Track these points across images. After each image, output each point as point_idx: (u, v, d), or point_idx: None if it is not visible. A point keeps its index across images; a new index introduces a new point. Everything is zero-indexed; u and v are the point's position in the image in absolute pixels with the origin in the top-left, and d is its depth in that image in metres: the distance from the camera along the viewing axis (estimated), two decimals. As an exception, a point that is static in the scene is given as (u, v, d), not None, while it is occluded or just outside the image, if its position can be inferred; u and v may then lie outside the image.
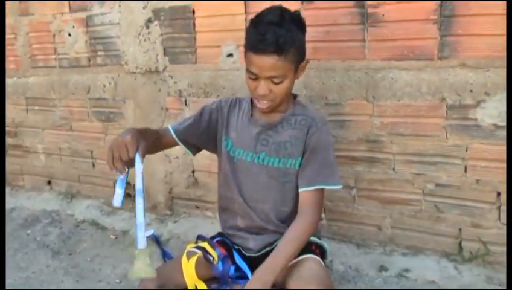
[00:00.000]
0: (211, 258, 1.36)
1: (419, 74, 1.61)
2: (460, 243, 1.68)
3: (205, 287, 1.36)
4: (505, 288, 1.50)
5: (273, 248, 1.27)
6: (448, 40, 1.55)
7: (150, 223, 2.25)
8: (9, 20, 2.61)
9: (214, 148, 1.47)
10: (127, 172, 1.18)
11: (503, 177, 1.55)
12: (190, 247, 1.44)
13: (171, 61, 2.12)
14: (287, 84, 1.28)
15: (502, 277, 1.57)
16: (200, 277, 1.36)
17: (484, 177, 1.59)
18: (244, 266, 1.35)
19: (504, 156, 1.51)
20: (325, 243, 1.45)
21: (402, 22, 1.60)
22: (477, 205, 1.62)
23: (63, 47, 2.46)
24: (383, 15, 1.62)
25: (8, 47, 2.66)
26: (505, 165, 1.52)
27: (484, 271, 1.61)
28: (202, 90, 2.05)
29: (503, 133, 1.52)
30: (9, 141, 2.85)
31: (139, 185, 1.16)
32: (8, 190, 2.87)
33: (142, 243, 1.15)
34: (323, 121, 1.37)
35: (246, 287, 1.21)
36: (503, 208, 1.58)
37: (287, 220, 1.35)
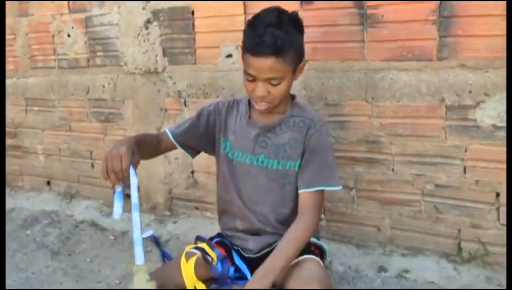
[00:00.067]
0: (210, 259, 1.36)
1: (418, 75, 1.61)
2: (459, 244, 1.68)
3: (204, 287, 1.36)
4: (505, 289, 1.50)
5: (273, 249, 1.28)
6: (447, 40, 1.55)
7: (149, 224, 2.25)
8: (8, 21, 2.61)
9: (212, 150, 1.47)
10: (123, 184, 1.16)
11: (502, 178, 1.55)
12: (189, 248, 1.45)
13: (171, 62, 2.12)
14: (285, 86, 1.27)
15: (501, 277, 1.57)
16: (199, 278, 1.36)
17: (483, 178, 1.59)
18: (243, 266, 1.35)
19: (503, 156, 1.51)
20: (324, 243, 1.45)
21: (401, 23, 1.60)
22: (476, 205, 1.62)
23: (62, 48, 2.46)
24: (382, 16, 1.62)
25: (7, 48, 2.66)
26: (504, 165, 1.52)
27: (483, 272, 1.61)
28: (201, 90, 2.05)
29: (503, 133, 1.52)
30: (8, 141, 2.85)
31: (134, 199, 1.14)
32: (7, 190, 2.86)
33: (140, 259, 1.12)
34: (321, 122, 1.37)
35: (245, 288, 1.21)
36: (503, 208, 1.58)
37: (286, 221, 1.35)
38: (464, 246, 1.67)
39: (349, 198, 1.83)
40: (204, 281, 1.37)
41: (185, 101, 2.12)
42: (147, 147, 1.31)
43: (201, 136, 1.44)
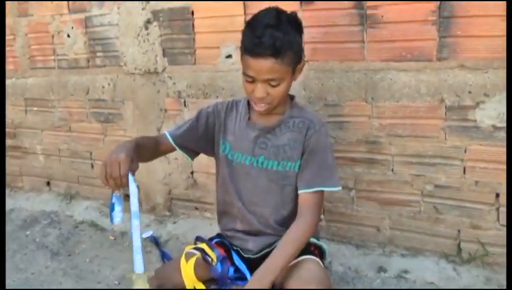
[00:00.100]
0: (210, 260, 1.35)
1: (418, 75, 1.61)
2: (459, 244, 1.68)
3: (204, 288, 1.36)
4: (504, 289, 1.50)
5: (272, 249, 1.27)
6: (447, 41, 1.55)
7: (149, 225, 2.25)
8: (8, 21, 2.61)
9: (211, 152, 1.47)
10: (121, 190, 1.16)
11: (502, 178, 1.55)
12: (189, 248, 1.44)
13: (170, 62, 2.12)
14: (284, 87, 1.27)
15: (501, 278, 1.57)
16: (198, 278, 1.36)
17: (483, 179, 1.59)
18: (243, 267, 1.35)
19: (503, 157, 1.51)
20: (324, 244, 1.45)
21: (401, 23, 1.60)
22: (476, 206, 1.62)
23: (62, 48, 2.46)
24: (382, 16, 1.62)
25: (7, 48, 2.65)
26: (503, 166, 1.53)
27: (483, 272, 1.61)
28: (201, 91, 2.05)
29: (502, 134, 1.52)
30: (8, 142, 2.85)
31: (134, 206, 1.12)
32: (7, 191, 2.86)
33: (140, 267, 1.11)
34: (321, 123, 1.37)
35: (245, 288, 1.21)
36: (502, 209, 1.58)
37: (286, 223, 1.35)
38: (463, 246, 1.67)
39: (348, 198, 1.83)
40: (204, 282, 1.37)
41: (184, 102, 2.12)
42: (146, 150, 1.31)
43: (200, 138, 1.44)
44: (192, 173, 2.19)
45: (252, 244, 1.39)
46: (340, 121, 1.77)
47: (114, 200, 1.17)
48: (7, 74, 2.70)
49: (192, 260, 1.37)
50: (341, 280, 1.70)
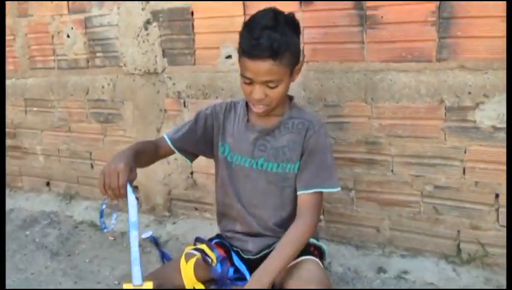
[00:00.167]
0: (210, 260, 1.35)
1: (417, 76, 1.61)
2: (458, 245, 1.68)
3: (204, 288, 1.36)
4: (504, 289, 1.50)
5: (272, 250, 1.27)
6: (446, 42, 1.55)
7: (149, 225, 2.25)
8: (8, 21, 2.61)
9: (211, 154, 1.47)
10: (119, 200, 1.15)
11: (501, 179, 1.55)
12: (189, 249, 1.44)
13: (170, 62, 2.12)
14: (282, 88, 1.27)
15: (501, 278, 1.57)
16: (198, 279, 1.36)
17: (483, 179, 1.59)
18: (242, 267, 1.35)
19: (503, 157, 1.51)
20: (323, 244, 1.45)
21: (401, 24, 1.60)
22: (475, 206, 1.62)
23: (61, 48, 2.46)
24: (382, 17, 1.62)
25: (6, 48, 2.66)
26: (503, 167, 1.52)
27: (483, 273, 1.61)
28: (201, 91, 2.05)
29: (502, 135, 1.52)
30: (8, 142, 2.85)
31: (132, 217, 1.11)
32: (7, 191, 2.86)
33: (137, 278, 1.10)
34: (320, 124, 1.36)
35: (244, 288, 1.21)
36: (502, 210, 1.58)
37: (285, 224, 1.35)
38: (463, 247, 1.67)
39: (348, 199, 1.83)
40: (203, 282, 1.37)
41: (184, 102, 2.12)
42: (145, 155, 1.31)
43: (199, 140, 1.44)
44: (191, 173, 2.19)
45: (252, 245, 1.39)
46: (339, 121, 1.77)
47: (104, 207, 1.17)
48: (7, 74, 2.70)
49: (192, 261, 1.37)
50: (341, 280, 1.70)
